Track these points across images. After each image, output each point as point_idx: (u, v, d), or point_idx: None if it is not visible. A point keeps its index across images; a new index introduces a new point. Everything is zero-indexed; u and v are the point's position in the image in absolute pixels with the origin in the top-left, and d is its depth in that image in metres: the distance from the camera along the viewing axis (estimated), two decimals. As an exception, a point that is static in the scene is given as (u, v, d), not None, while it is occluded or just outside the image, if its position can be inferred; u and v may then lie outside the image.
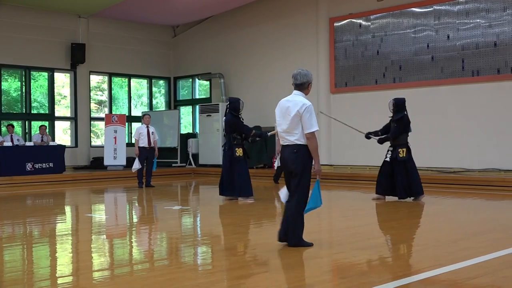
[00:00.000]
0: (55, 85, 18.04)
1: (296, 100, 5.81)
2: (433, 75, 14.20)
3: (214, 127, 17.86)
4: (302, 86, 5.90)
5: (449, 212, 8.92)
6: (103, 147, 17.68)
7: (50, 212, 9.69)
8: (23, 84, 17.46)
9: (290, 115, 5.73)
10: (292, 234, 5.83)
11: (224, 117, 10.35)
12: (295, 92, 5.92)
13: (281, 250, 5.86)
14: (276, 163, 13.69)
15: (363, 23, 15.48)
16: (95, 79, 19.41)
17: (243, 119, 10.28)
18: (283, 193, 5.96)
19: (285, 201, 5.99)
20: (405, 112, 9.97)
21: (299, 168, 5.75)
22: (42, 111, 18.03)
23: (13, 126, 15.67)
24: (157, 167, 13.90)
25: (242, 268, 5.18)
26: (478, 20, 13.47)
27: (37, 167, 14.91)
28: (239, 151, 10.04)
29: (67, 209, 10.47)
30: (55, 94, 18.06)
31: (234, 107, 10.08)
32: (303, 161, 5.75)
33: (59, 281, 4.79)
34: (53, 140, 16.82)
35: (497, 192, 11.39)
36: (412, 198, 9.92)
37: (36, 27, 17.23)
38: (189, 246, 6.33)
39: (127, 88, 19.83)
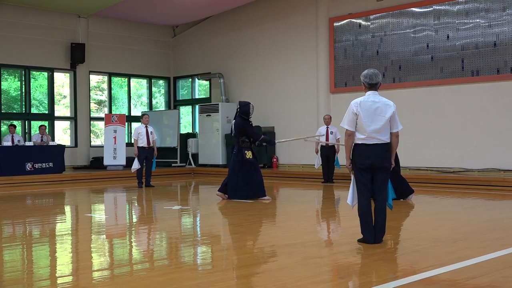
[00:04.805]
0: (55, 84, 18.04)
1: (383, 100, 5.97)
2: (432, 75, 14.20)
3: (213, 127, 17.86)
4: (377, 85, 6.02)
5: (449, 212, 8.92)
6: (102, 147, 17.68)
7: (49, 212, 9.68)
8: (23, 83, 17.46)
9: (384, 116, 5.88)
10: (384, 229, 6.01)
11: (234, 120, 10.39)
12: (372, 92, 6.00)
13: (281, 250, 5.87)
14: (316, 164, 13.59)
15: (363, 23, 15.48)
16: (94, 79, 19.41)
17: (251, 123, 10.34)
18: (352, 197, 6.07)
19: (353, 204, 6.07)
20: None
21: (390, 165, 6.00)
22: (42, 111, 18.03)
23: (15, 127, 15.63)
24: (157, 167, 13.91)
25: (241, 268, 5.18)
26: (477, 20, 13.48)
27: (36, 167, 14.91)
28: (248, 154, 10.16)
29: (67, 209, 10.46)
30: (55, 93, 18.06)
31: (244, 110, 10.17)
32: (391, 158, 6.02)
33: (59, 281, 4.78)
34: (53, 140, 16.82)
35: (497, 192, 11.39)
36: (402, 199, 9.88)
37: (36, 27, 17.23)
38: (189, 246, 6.33)
39: (126, 88, 19.83)
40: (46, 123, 17.41)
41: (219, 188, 10.54)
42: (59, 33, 17.68)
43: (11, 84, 17.74)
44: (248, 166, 10.12)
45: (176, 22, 20.03)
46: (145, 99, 20.57)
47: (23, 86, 17.45)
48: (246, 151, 10.12)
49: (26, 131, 17.31)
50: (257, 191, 10.15)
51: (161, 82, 20.86)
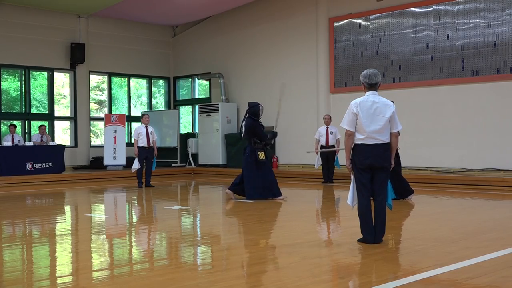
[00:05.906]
0: (55, 84, 18.03)
1: (383, 100, 5.98)
2: (432, 75, 14.20)
3: (213, 127, 17.86)
4: (376, 85, 6.03)
5: (449, 212, 8.92)
6: (102, 147, 17.67)
7: (49, 212, 9.68)
8: (23, 83, 17.45)
9: (384, 116, 5.88)
10: (384, 228, 6.02)
11: (244, 121, 10.40)
12: (372, 92, 6.01)
13: (281, 250, 5.87)
14: (316, 164, 13.59)
15: (363, 23, 15.48)
16: (94, 79, 19.41)
17: (261, 123, 10.37)
18: (352, 197, 6.09)
19: (353, 205, 6.07)
20: None
21: (389, 165, 6.01)
22: (41, 111, 18.02)
23: (15, 127, 15.63)
24: (157, 167, 13.90)
25: (241, 268, 5.18)
26: (477, 20, 13.48)
27: (36, 167, 14.90)
28: (261, 155, 10.22)
29: (67, 209, 10.46)
30: (55, 93, 18.05)
31: (254, 111, 10.23)
32: (390, 158, 6.02)
33: (59, 281, 4.78)
34: (53, 140, 16.81)
35: (497, 192, 11.39)
36: (402, 199, 9.87)
37: (36, 27, 17.23)
38: (188, 246, 6.33)
39: (126, 88, 19.82)
40: (46, 123, 17.41)
41: (229, 186, 10.55)
42: (59, 33, 17.67)
43: (11, 84, 17.74)
44: (262, 167, 10.16)
45: (176, 22, 20.03)
46: (145, 99, 20.57)
47: (23, 86, 17.45)
48: (259, 152, 10.15)
49: (26, 131, 17.30)
50: (273, 191, 10.21)
51: (161, 82, 20.86)
